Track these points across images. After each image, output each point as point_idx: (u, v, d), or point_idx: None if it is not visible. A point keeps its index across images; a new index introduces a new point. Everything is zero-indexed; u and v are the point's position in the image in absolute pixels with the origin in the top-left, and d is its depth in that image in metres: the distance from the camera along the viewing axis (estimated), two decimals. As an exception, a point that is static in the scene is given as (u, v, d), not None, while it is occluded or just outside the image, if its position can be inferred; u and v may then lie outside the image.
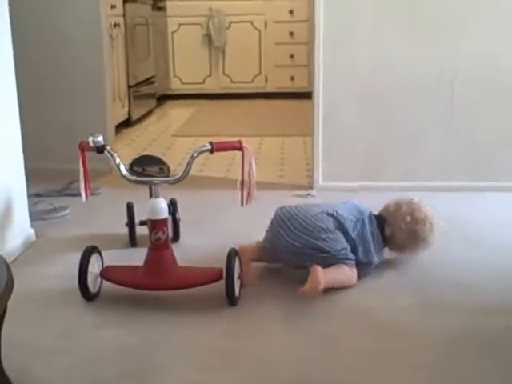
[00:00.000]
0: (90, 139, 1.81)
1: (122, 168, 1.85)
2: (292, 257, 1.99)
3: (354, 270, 1.97)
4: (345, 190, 2.90)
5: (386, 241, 2.11)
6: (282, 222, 2.02)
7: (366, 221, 2.07)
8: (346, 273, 1.95)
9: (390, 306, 1.86)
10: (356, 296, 1.92)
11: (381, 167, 2.97)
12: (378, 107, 2.93)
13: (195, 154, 1.82)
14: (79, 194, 2.75)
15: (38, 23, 3.12)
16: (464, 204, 2.77)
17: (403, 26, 2.86)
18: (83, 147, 1.87)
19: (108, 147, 1.85)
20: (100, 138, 1.82)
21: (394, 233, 2.11)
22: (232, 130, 4.36)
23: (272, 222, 2.07)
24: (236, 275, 1.85)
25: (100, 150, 1.83)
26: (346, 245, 1.98)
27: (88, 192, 1.94)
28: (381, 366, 1.57)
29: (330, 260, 1.94)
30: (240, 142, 1.84)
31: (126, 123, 4.52)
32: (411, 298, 1.92)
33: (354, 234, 2.01)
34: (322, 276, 1.84)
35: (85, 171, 1.91)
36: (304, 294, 1.83)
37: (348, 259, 1.96)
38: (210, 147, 1.82)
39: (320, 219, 2.00)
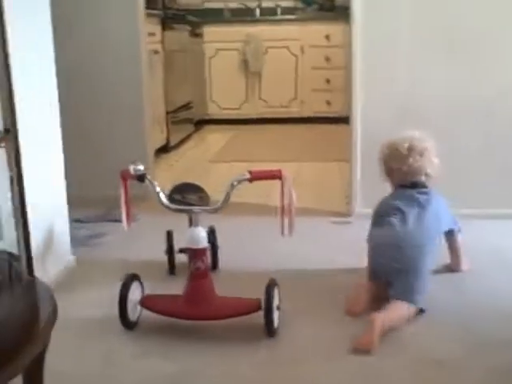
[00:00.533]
0: (131, 168, 1.83)
1: (162, 197, 1.87)
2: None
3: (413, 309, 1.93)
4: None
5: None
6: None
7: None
8: (404, 314, 1.90)
9: (434, 338, 1.82)
10: (400, 327, 1.89)
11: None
12: (413, 126, 2.89)
13: (234, 183, 1.82)
14: (119, 220, 2.78)
15: (80, 48, 3.18)
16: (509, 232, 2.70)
17: (440, 49, 2.84)
18: (124, 176, 1.88)
19: (149, 176, 1.86)
20: (141, 167, 1.84)
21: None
22: (269, 155, 4.37)
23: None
24: (275, 306, 1.84)
25: (141, 178, 1.84)
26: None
27: (129, 220, 1.95)
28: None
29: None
30: (279, 171, 1.83)
31: (165, 148, 4.57)
32: (456, 330, 1.87)
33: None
34: (379, 331, 1.77)
35: (126, 199, 1.92)
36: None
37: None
38: (248, 176, 1.82)
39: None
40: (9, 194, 1.39)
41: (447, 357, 1.73)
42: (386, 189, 2.91)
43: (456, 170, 2.90)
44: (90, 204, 2.97)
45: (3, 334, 1.19)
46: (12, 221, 1.41)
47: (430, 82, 2.86)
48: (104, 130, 3.28)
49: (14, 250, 1.45)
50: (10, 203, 1.36)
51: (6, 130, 1.29)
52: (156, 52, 4.29)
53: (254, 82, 6.00)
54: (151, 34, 4.08)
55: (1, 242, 1.43)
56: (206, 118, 5.97)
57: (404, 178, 2.19)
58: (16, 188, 1.32)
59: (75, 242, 2.49)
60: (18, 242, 1.35)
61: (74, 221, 2.72)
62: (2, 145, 1.29)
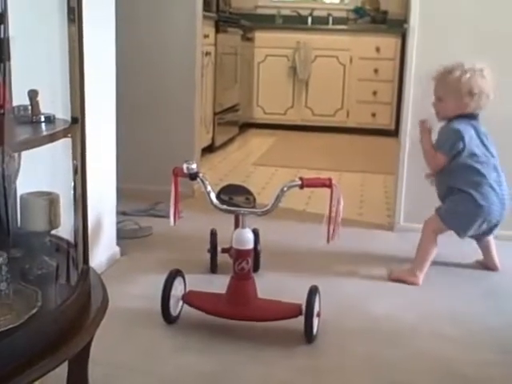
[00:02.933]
0: (185, 166, 1.86)
1: (213, 196, 1.89)
2: None
3: None
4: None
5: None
6: None
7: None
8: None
9: (471, 359, 1.81)
10: (437, 345, 1.88)
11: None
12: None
13: (285, 189, 1.84)
14: (163, 216, 2.83)
15: (138, 46, 3.24)
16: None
17: (498, 68, 2.80)
18: (177, 173, 1.92)
19: (200, 175, 1.89)
20: (194, 166, 1.87)
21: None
22: (312, 162, 4.38)
23: None
24: (315, 312, 1.85)
25: (193, 177, 1.88)
26: None
27: (177, 217, 1.99)
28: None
29: None
30: (330, 179, 1.84)
31: (210, 149, 4.62)
32: (494, 350, 1.86)
33: None
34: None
35: (176, 196, 1.96)
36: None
37: None
38: (300, 183, 1.83)
39: None
40: (71, 184, 1.42)
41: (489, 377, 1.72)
42: (431, 204, 2.91)
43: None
44: (136, 197, 3.02)
45: (57, 321, 1.22)
46: (67, 209, 1.45)
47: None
48: (155, 127, 3.33)
49: (69, 238, 1.49)
50: (71, 192, 1.40)
51: (74, 119, 1.32)
52: (208, 54, 4.34)
53: (301, 89, 6.01)
54: (205, 36, 4.13)
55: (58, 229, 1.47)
56: (251, 121, 6.00)
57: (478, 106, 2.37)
58: (79, 177, 1.35)
59: (120, 234, 2.54)
60: (76, 230, 1.39)
61: (120, 213, 2.78)
62: (69, 135, 1.33)
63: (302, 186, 1.83)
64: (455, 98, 2.34)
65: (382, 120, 5.83)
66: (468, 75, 2.32)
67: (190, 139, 3.36)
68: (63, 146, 1.54)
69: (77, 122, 1.31)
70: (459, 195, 2.32)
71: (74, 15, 1.33)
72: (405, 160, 2.93)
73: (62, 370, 1.38)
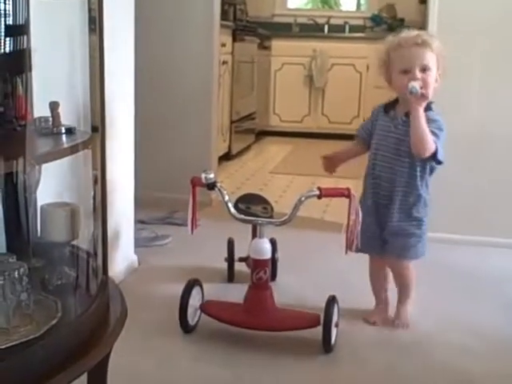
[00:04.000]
0: (203, 176, 1.87)
1: (230, 206, 1.90)
2: None
3: None
4: (444, 242, 2.83)
5: None
6: None
7: None
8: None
9: (492, 372, 1.79)
10: (456, 356, 1.86)
11: (487, 221, 2.87)
12: (486, 157, 2.85)
13: (303, 198, 1.83)
14: (181, 224, 2.85)
15: (156, 54, 3.25)
16: None
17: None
18: (195, 182, 1.92)
19: (218, 184, 1.90)
20: (212, 175, 1.87)
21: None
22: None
23: None
24: (334, 322, 1.84)
25: (211, 186, 1.88)
26: None
27: (195, 225, 1.99)
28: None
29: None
30: (348, 189, 1.83)
31: (226, 156, 4.63)
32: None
33: None
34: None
35: (194, 206, 1.96)
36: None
37: None
38: (318, 193, 1.82)
39: None
40: (91, 193, 1.44)
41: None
42: (447, 212, 2.89)
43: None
44: (153, 206, 3.03)
45: (77, 332, 1.23)
46: (88, 220, 1.46)
47: (503, 110, 2.81)
48: (173, 134, 3.34)
49: (89, 249, 1.50)
50: (91, 202, 1.41)
51: (95, 128, 1.34)
52: (225, 62, 4.36)
53: (318, 96, 6.01)
54: (222, 45, 4.14)
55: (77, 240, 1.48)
56: (268, 129, 6.01)
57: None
58: (99, 187, 1.36)
59: (138, 242, 2.55)
60: (96, 240, 1.40)
61: (138, 221, 2.79)
62: (90, 147, 1.34)
63: (320, 196, 1.83)
64: (439, 68, 1.97)
65: (399, 128, 5.80)
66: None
67: (207, 148, 3.37)
68: (83, 156, 1.56)
69: (97, 130, 1.32)
70: (425, 209, 2.01)
71: (95, 25, 1.34)
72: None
73: (81, 382, 1.40)
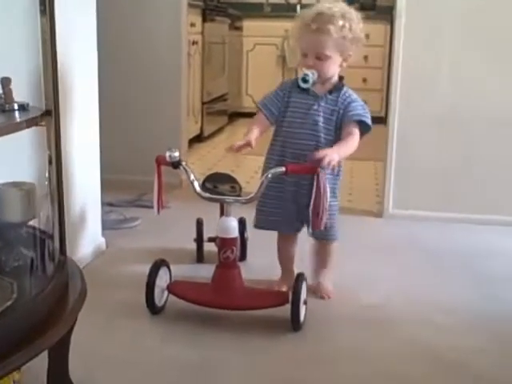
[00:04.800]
0: (167, 154, 1.83)
1: (196, 185, 1.86)
2: None
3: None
4: (416, 220, 2.84)
5: None
6: None
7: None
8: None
9: (462, 346, 1.79)
10: (427, 333, 1.86)
11: (457, 198, 2.88)
12: (457, 136, 2.85)
13: (269, 175, 1.81)
14: (150, 206, 2.78)
15: (120, 34, 3.19)
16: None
17: (485, 57, 2.79)
18: (159, 161, 1.89)
19: (184, 163, 1.86)
20: (176, 154, 1.84)
21: None
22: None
23: None
24: (302, 300, 1.83)
25: (176, 165, 1.84)
26: None
27: (161, 206, 1.95)
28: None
29: None
30: (315, 165, 1.81)
31: (198, 138, 4.58)
32: (485, 338, 1.84)
33: None
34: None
35: (159, 185, 1.92)
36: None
37: None
38: (284, 169, 1.81)
39: None
40: (46, 173, 1.40)
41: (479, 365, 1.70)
42: (421, 190, 2.90)
43: (494, 179, 2.85)
44: (121, 188, 2.99)
45: (33, 312, 1.20)
46: (46, 200, 1.42)
47: (473, 89, 2.80)
48: (140, 116, 3.30)
49: (47, 229, 1.46)
50: (46, 182, 1.37)
51: (48, 112, 1.29)
52: (195, 43, 4.30)
53: (291, 77, 5.96)
54: (192, 25, 4.08)
55: (35, 220, 1.44)
56: (240, 110, 5.96)
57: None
58: (54, 168, 1.32)
59: (105, 225, 2.51)
60: (53, 220, 1.36)
61: (106, 204, 2.75)
62: (43, 123, 1.30)
63: (286, 173, 1.81)
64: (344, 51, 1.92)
65: (373, 107, 5.70)
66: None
67: (177, 129, 3.33)
68: (38, 135, 1.52)
69: (50, 114, 1.28)
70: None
71: (45, 6, 1.29)
72: (393, 147, 2.92)
73: (45, 363, 1.37)
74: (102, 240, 2.43)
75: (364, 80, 5.83)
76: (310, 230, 1.94)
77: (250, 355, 1.72)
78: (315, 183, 1.79)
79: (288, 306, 1.81)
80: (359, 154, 4.22)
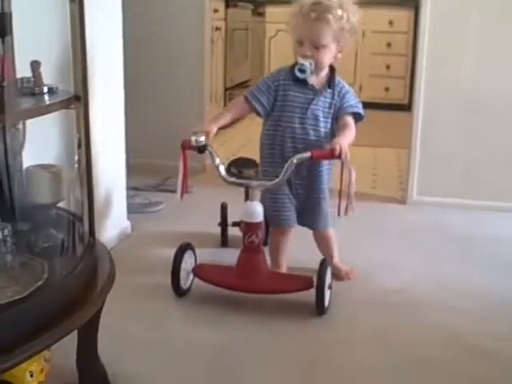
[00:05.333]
0: (193, 138, 1.83)
1: (222, 169, 1.87)
2: None
3: None
4: (440, 206, 2.83)
5: None
6: None
7: None
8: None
9: (485, 332, 1.78)
10: (450, 318, 1.86)
11: (481, 185, 2.85)
12: (482, 123, 2.82)
13: (295, 161, 1.81)
14: (174, 191, 2.81)
15: (145, 20, 3.19)
16: None
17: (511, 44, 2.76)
18: (185, 146, 1.89)
19: (209, 147, 1.86)
20: (202, 138, 1.84)
21: None
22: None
23: None
24: (327, 285, 1.83)
25: (201, 149, 1.85)
26: None
27: (184, 190, 1.95)
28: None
29: None
30: (341, 150, 1.81)
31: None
32: (508, 323, 1.83)
33: None
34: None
35: (184, 169, 1.93)
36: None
37: None
38: (309, 154, 1.80)
39: None
40: (72, 157, 1.41)
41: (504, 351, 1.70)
42: (445, 177, 2.88)
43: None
44: (146, 173, 3.01)
45: (63, 292, 1.22)
46: (73, 182, 1.44)
47: (498, 75, 2.77)
48: (165, 102, 3.30)
49: (75, 211, 1.48)
50: (76, 165, 1.38)
51: (77, 97, 1.30)
52: (218, 29, 4.29)
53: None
54: (215, 11, 4.08)
55: (63, 202, 1.46)
56: (263, 97, 5.95)
57: None
58: (83, 151, 1.33)
59: (130, 209, 2.53)
60: (82, 203, 1.37)
61: (131, 188, 2.77)
62: (72, 107, 1.31)
63: (311, 158, 1.81)
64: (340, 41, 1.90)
65: (395, 94, 5.75)
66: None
67: (200, 114, 3.33)
68: (67, 118, 1.53)
69: (79, 99, 1.29)
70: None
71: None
72: (418, 134, 2.90)
73: (74, 342, 1.39)
74: (128, 223, 2.46)
75: (387, 67, 5.78)
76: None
77: (274, 338, 1.73)
78: (342, 169, 1.80)
79: (312, 291, 1.81)
80: (382, 141, 4.20)
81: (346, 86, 1.99)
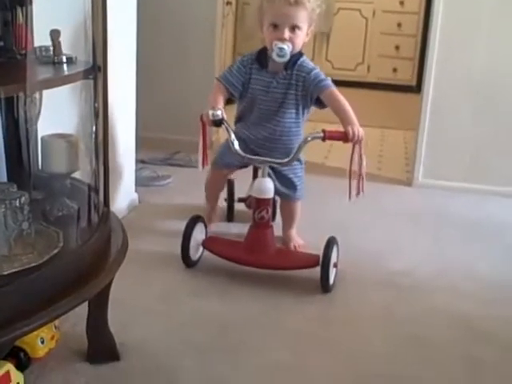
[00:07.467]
0: (210, 112, 1.83)
1: (236, 144, 1.88)
2: None
3: None
4: (445, 190, 2.84)
5: None
6: None
7: None
8: None
9: (489, 314, 1.81)
10: (455, 300, 1.88)
11: (488, 170, 2.86)
12: (491, 107, 2.82)
13: (309, 139, 1.82)
14: (182, 165, 2.85)
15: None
16: None
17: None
18: (203, 119, 1.88)
19: (225, 122, 1.86)
20: (219, 112, 1.84)
21: None
22: (331, 116, 4.32)
23: None
24: (332, 263, 1.85)
25: (218, 123, 1.85)
26: None
27: (205, 161, 1.97)
28: (480, 374, 1.54)
29: None
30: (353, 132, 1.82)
31: (230, 100, 4.56)
32: None
33: None
34: None
35: (204, 141, 1.93)
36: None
37: None
38: (322, 135, 1.81)
39: None
40: (88, 127, 1.42)
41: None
42: (452, 160, 2.88)
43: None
44: (154, 146, 3.01)
45: (78, 261, 1.23)
46: (87, 153, 1.45)
47: (509, 58, 2.77)
48: (175, 76, 3.29)
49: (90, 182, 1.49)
50: (92, 135, 1.39)
51: (98, 68, 1.31)
52: (229, 3, 4.26)
53: (322, 41, 5.90)
54: (226, -16, 4.05)
55: (78, 172, 1.47)
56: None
57: None
58: (100, 121, 1.34)
59: (138, 181, 2.54)
60: (97, 174, 1.39)
61: (139, 161, 2.78)
62: (90, 77, 1.32)
63: (324, 138, 1.81)
64: (311, 24, 1.93)
65: (404, 75, 5.73)
66: None
67: (210, 89, 3.32)
68: (85, 88, 1.53)
69: (100, 70, 1.30)
70: None
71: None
72: (427, 116, 2.90)
73: (83, 311, 1.41)
74: (136, 195, 2.47)
75: (397, 47, 5.75)
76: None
77: (279, 313, 1.76)
78: (354, 152, 1.80)
79: (318, 269, 1.83)
80: (388, 122, 4.19)
81: (311, 64, 1.98)
